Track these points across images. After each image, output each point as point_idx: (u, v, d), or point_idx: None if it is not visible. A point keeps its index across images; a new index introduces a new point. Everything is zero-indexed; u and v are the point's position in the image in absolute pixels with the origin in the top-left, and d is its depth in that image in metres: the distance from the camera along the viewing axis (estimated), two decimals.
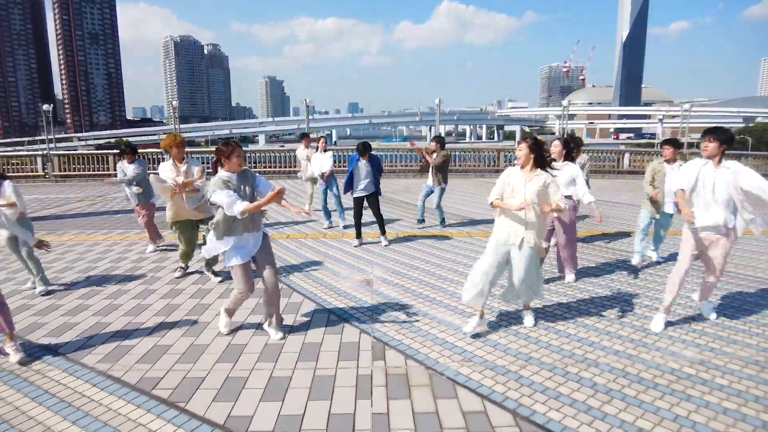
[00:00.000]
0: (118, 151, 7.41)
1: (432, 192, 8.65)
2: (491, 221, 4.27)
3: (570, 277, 5.83)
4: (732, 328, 4.35)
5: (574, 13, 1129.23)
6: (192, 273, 6.06)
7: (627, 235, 8.19)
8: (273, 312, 4.18)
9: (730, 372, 3.57)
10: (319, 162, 8.98)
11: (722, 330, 4.32)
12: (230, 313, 4.32)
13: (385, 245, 7.42)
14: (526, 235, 4.06)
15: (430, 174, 8.55)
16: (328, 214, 8.97)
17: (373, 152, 7.46)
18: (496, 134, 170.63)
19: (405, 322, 4.48)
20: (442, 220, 8.76)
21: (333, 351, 3.90)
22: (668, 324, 4.40)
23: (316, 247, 7.35)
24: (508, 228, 4.11)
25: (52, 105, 20.52)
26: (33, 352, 3.94)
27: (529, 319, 4.44)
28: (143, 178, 7.11)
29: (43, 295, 5.28)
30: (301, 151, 10.68)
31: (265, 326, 4.26)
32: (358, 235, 7.52)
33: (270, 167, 19.65)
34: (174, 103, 19.29)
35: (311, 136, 11.07)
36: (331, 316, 4.63)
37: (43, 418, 3.04)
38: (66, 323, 4.53)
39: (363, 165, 7.30)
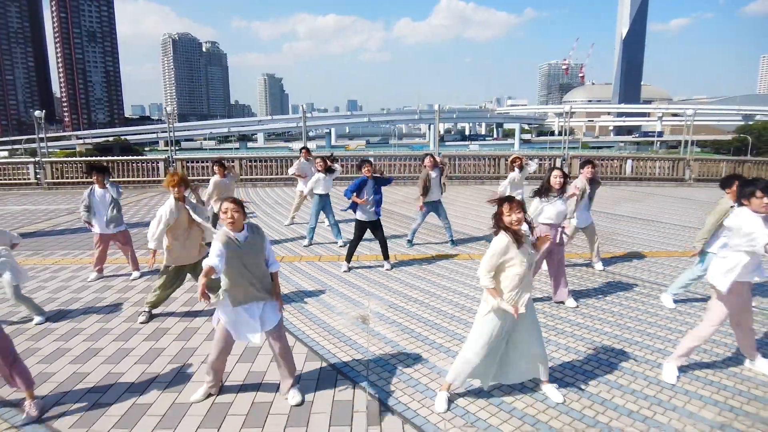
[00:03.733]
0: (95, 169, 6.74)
1: (431, 210, 8.41)
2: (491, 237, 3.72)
3: (570, 301, 5.73)
4: (751, 380, 4.08)
5: (573, 10, 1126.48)
6: (175, 314, 5.77)
7: (638, 256, 7.92)
8: (287, 377, 3.80)
9: None
10: (316, 182, 8.62)
11: (741, 382, 4.05)
12: (210, 383, 3.80)
13: (388, 269, 7.15)
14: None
15: (432, 189, 8.26)
16: (312, 233, 8.73)
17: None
18: (495, 132, 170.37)
19: (403, 372, 4.20)
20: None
21: (324, 413, 3.61)
22: (682, 371, 4.14)
23: (310, 273, 7.06)
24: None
25: (44, 111, 20.14)
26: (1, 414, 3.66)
27: (555, 393, 3.77)
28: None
29: (39, 324, 5.29)
30: (298, 163, 10.42)
31: (283, 392, 3.81)
32: (349, 259, 7.24)
33: (268, 174, 19.34)
34: (168, 108, 18.95)
35: (310, 136, 10.78)
36: (323, 365, 4.35)
37: None
38: (42, 373, 4.23)
39: (370, 186, 7.04)
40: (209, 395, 3.81)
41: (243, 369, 4.27)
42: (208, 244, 4.92)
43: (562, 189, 5.61)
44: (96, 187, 6.70)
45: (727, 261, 3.80)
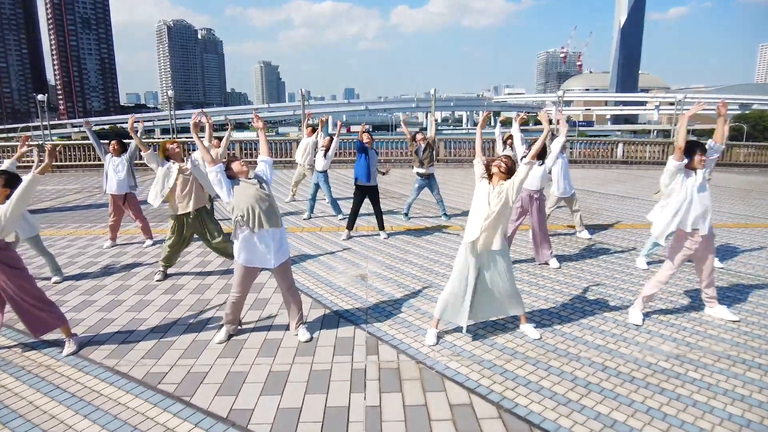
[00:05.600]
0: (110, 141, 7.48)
1: (425, 186, 8.84)
2: None
3: (554, 262, 6.17)
4: (709, 323, 4.58)
5: None
6: (188, 273, 6.24)
7: (621, 228, 8.40)
8: (294, 313, 4.28)
9: (702, 366, 3.80)
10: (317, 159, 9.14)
11: (699, 325, 4.55)
12: (230, 322, 4.26)
13: (384, 238, 7.61)
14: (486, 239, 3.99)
15: (422, 164, 8.65)
16: (312, 205, 9.26)
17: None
18: (492, 120, 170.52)
19: (398, 317, 4.69)
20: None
21: (329, 346, 4.10)
22: (648, 316, 4.64)
23: (312, 241, 7.52)
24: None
25: (46, 95, 20.44)
26: (42, 348, 4.13)
27: (532, 331, 4.28)
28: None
29: (57, 284, 5.71)
30: (306, 138, 10.72)
31: (293, 329, 4.31)
32: (350, 227, 7.67)
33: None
34: (170, 92, 19.32)
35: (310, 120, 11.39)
36: (327, 312, 4.83)
37: (57, 412, 3.23)
38: (72, 319, 4.68)
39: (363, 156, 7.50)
40: (230, 336, 4.27)
41: (254, 315, 4.75)
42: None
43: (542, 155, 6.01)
44: (111, 154, 7.24)
45: (665, 210, 4.49)
